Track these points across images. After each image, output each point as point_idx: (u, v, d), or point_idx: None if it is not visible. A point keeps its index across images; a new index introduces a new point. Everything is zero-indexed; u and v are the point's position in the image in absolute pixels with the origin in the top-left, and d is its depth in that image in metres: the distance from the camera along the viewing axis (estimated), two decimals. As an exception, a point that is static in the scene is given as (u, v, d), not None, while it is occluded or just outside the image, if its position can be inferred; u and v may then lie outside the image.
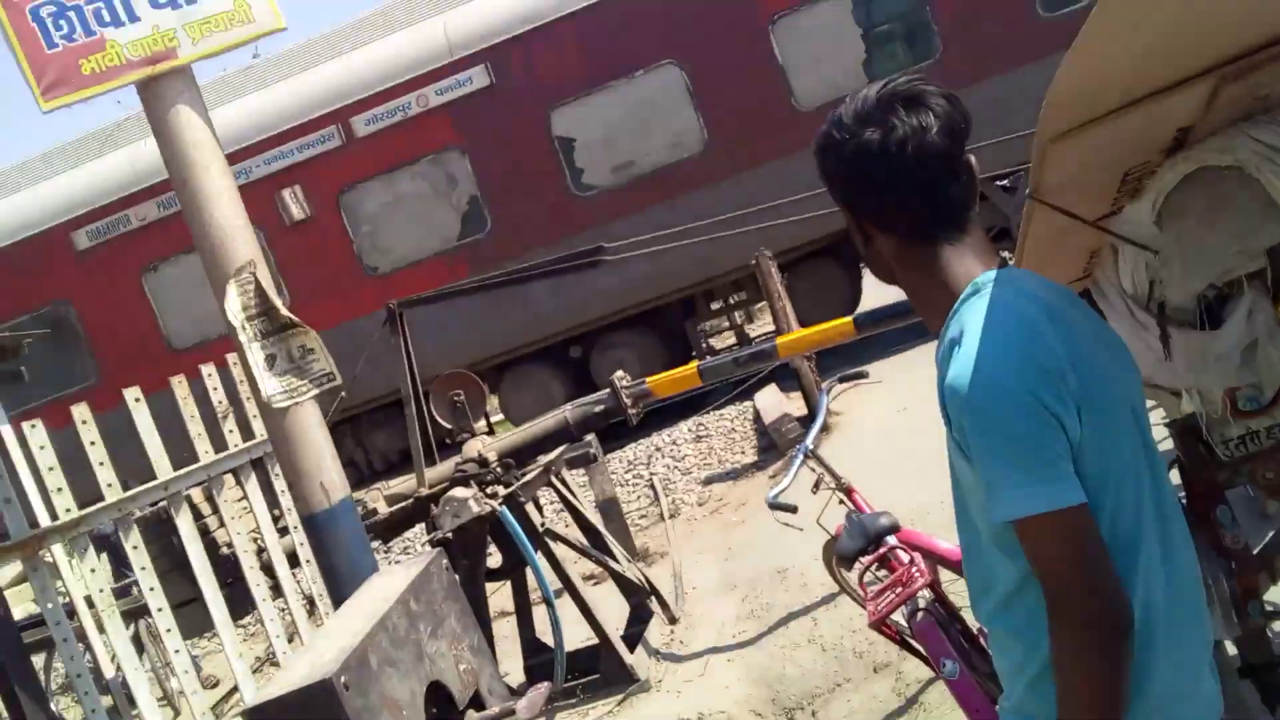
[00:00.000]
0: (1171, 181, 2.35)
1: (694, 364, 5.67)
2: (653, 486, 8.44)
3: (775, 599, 5.53)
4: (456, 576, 3.69)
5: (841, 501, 4.15)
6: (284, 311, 4.20)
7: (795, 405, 8.52)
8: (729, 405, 9.44)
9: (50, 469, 4.43)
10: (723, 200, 9.23)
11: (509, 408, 11.25)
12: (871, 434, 7.23)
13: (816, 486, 4.18)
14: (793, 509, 3.96)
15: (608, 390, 5.62)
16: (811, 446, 4.14)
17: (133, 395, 4.86)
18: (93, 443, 4.60)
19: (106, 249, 11.24)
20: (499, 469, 5.48)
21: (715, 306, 11.74)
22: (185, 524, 4.95)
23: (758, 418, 8.83)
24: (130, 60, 3.87)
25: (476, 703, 3.32)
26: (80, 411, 4.59)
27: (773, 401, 8.89)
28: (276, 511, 5.69)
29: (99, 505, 4.54)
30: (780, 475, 4.17)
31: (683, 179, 10.34)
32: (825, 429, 7.72)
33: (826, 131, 1.67)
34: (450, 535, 5.22)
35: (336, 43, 11.49)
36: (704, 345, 11.99)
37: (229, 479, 5.41)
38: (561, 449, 5.83)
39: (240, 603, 5.75)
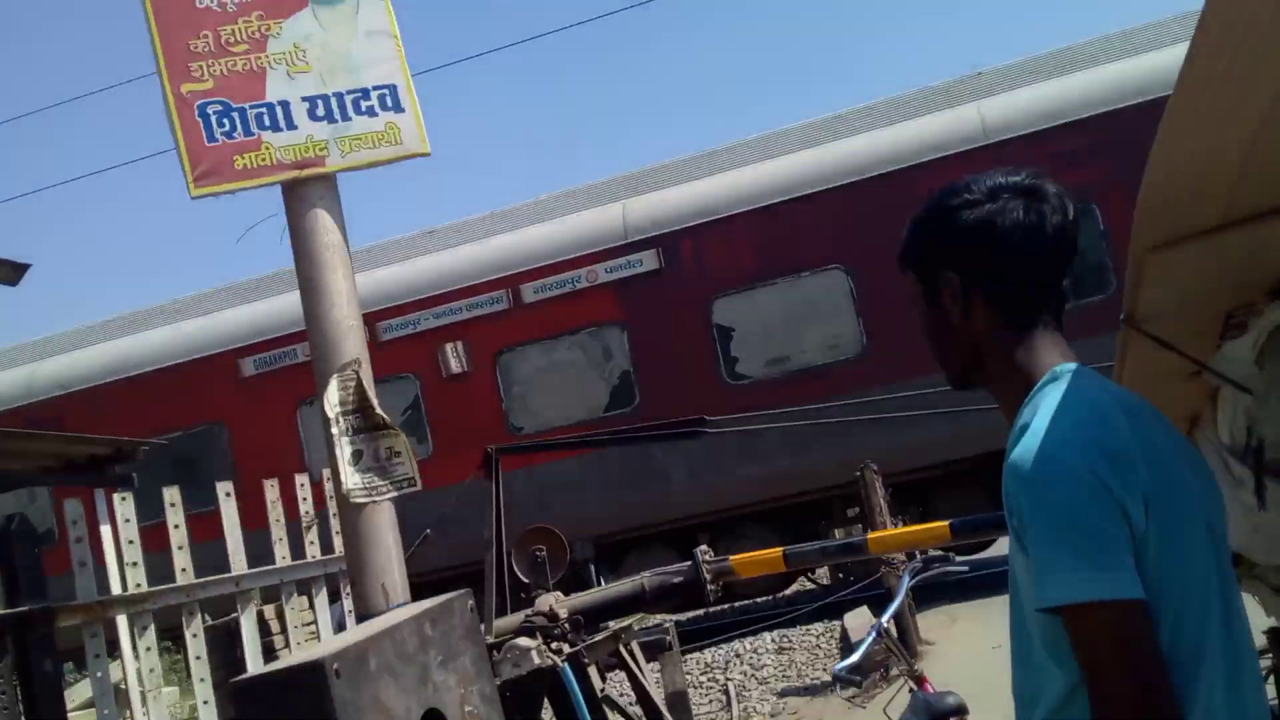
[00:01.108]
0: (1276, 320, 2.27)
1: (779, 549, 5.58)
2: (726, 692, 8.17)
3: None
4: (480, 623, 3.65)
5: (911, 689, 3.97)
6: (379, 412, 4.38)
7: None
8: (818, 622, 9.19)
9: (130, 542, 4.60)
10: (874, 407, 9.33)
11: None
12: (960, 665, 6.91)
13: (886, 673, 4.02)
14: (858, 683, 3.83)
15: (688, 563, 5.55)
16: (886, 624, 4.00)
17: (223, 490, 5.05)
18: (176, 526, 4.78)
19: (269, 378, 11.87)
20: (567, 625, 5.39)
21: (851, 513, 11.59)
22: (249, 625, 5.02)
23: (844, 636, 8.56)
24: (281, 161, 4.28)
25: None
26: (171, 494, 4.79)
27: (862, 622, 8.62)
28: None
29: (168, 585, 4.67)
30: (853, 651, 4.04)
31: (836, 380, 10.58)
32: (915, 656, 7.42)
33: (945, 196, 1.68)
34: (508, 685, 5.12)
35: (513, 216, 12.57)
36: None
37: (301, 599, 5.49)
38: (634, 618, 5.73)
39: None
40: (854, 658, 3.95)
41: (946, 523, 5.41)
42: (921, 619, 8.22)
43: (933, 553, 4.50)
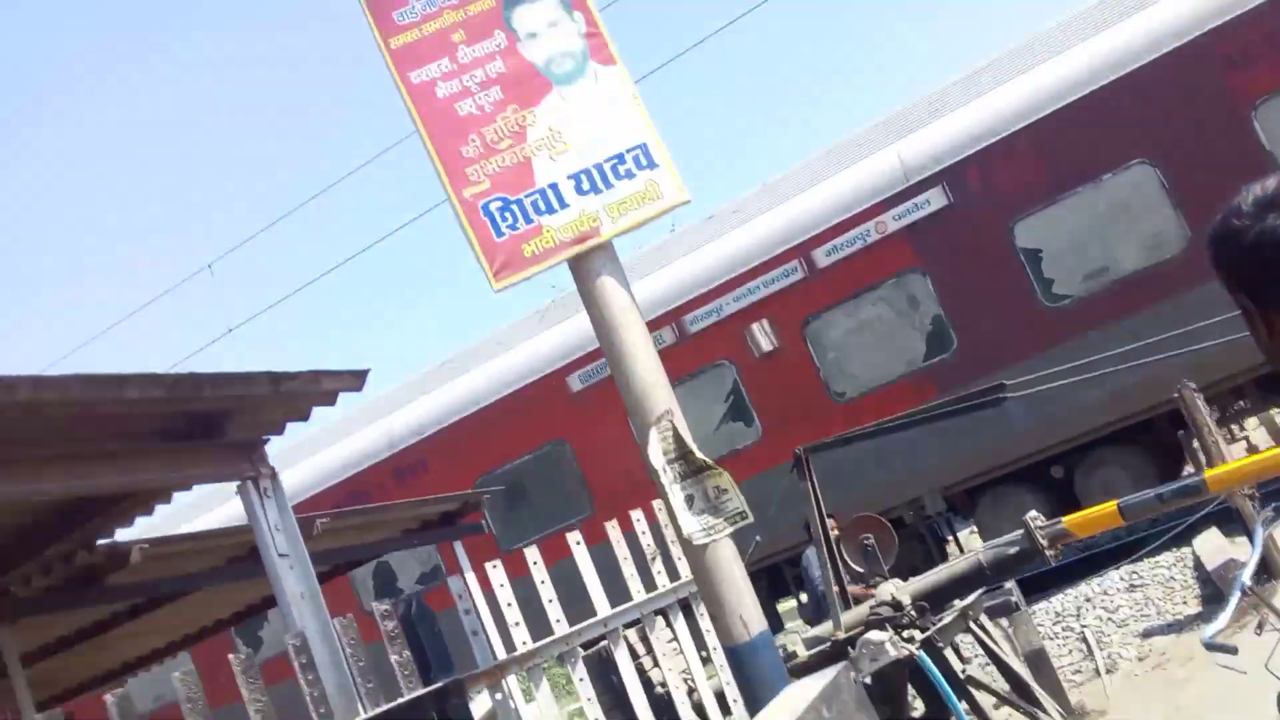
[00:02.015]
0: None
1: (1113, 502, 5.38)
2: (1085, 640, 7.90)
3: (1233, 763, 5.00)
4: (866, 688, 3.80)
5: (1294, 645, 3.78)
6: (699, 455, 4.62)
7: (1242, 550, 7.70)
8: (1165, 552, 8.67)
9: (509, 605, 5.05)
10: (1214, 301, 8.69)
11: (986, 533, 11.05)
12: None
13: (1260, 628, 3.85)
14: (1232, 650, 3.70)
15: (1021, 531, 5.47)
16: (1249, 582, 3.83)
17: (574, 539, 5.46)
18: (543, 582, 5.21)
19: (596, 391, 12.44)
20: (914, 612, 5.48)
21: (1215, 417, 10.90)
22: (624, 658, 5.41)
23: (1198, 565, 8.09)
24: (562, 241, 4.61)
25: None
26: (531, 553, 5.24)
27: (1215, 546, 8.13)
28: (704, 652, 6.02)
29: (548, 640, 5.11)
30: (1218, 613, 3.88)
31: (1164, 282, 9.99)
32: (1269, 569, 6.93)
33: (1224, 219, 1.64)
34: (869, 680, 5.25)
35: (794, 181, 12.54)
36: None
37: (659, 621, 5.83)
38: (978, 593, 5.72)
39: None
40: (1221, 622, 3.82)
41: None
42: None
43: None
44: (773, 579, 12.01)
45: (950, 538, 12.18)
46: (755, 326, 11.69)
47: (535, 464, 12.55)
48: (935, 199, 10.95)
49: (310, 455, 14.76)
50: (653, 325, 11.95)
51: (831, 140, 12.78)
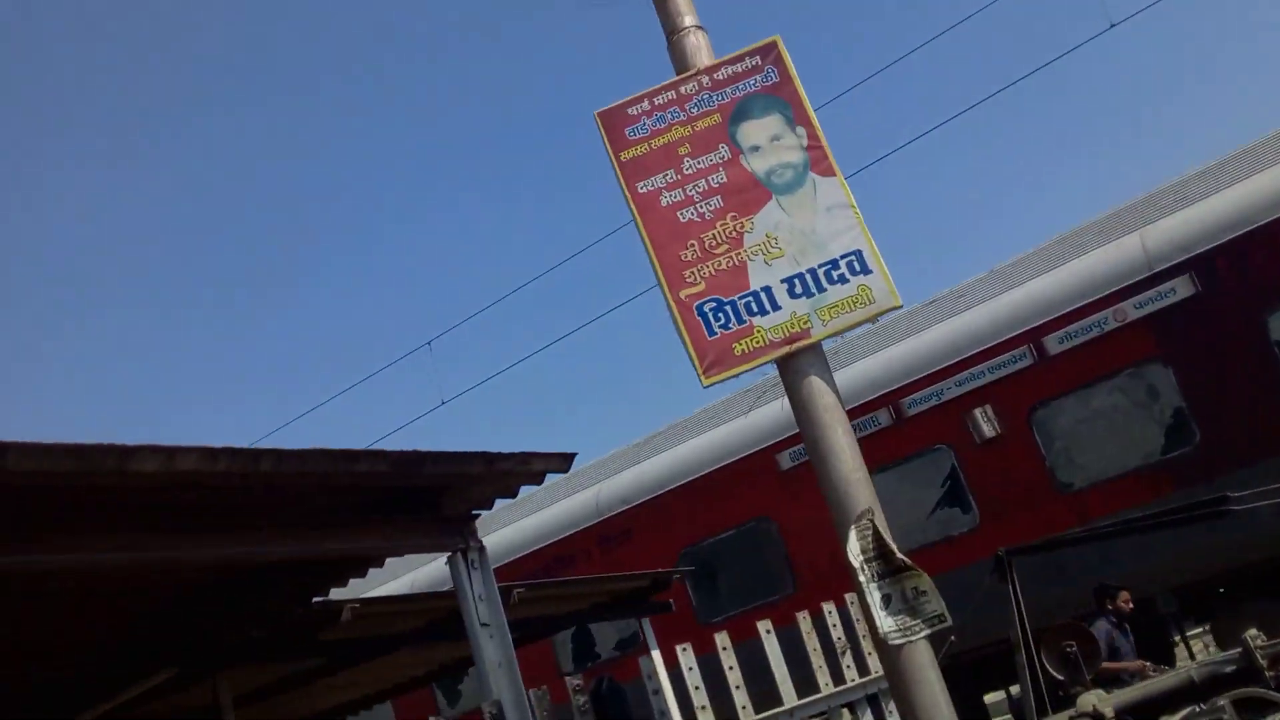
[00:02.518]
0: None
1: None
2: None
3: None
4: None
5: None
6: (899, 555, 4.68)
7: None
8: None
9: (696, 688, 5.17)
10: None
11: (1220, 638, 10.49)
12: None
13: None
14: None
15: (1239, 650, 5.27)
16: None
17: (764, 627, 5.54)
18: (731, 668, 5.31)
19: (805, 469, 12.50)
20: (1116, 726, 5.31)
21: None
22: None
23: None
24: (772, 341, 4.77)
25: None
26: (722, 639, 5.34)
27: None
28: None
29: (738, 725, 5.19)
30: None
31: None
32: None
33: None
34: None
35: (1024, 267, 12.27)
36: None
37: (845, 714, 5.83)
38: (1187, 710, 5.50)
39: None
40: None
41: None
42: None
43: None
44: (979, 669, 11.68)
45: (1178, 639, 11.57)
46: (978, 412, 11.37)
47: (740, 539, 12.54)
48: (1181, 288, 10.47)
49: (519, 518, 15.28)
50: (869, 407, 12.04)
51: (1062, 228, 12.55)
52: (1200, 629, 12.82)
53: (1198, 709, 5.77)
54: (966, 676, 11.39)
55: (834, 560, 11.57)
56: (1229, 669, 5.37)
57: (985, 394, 11.32)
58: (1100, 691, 5.71)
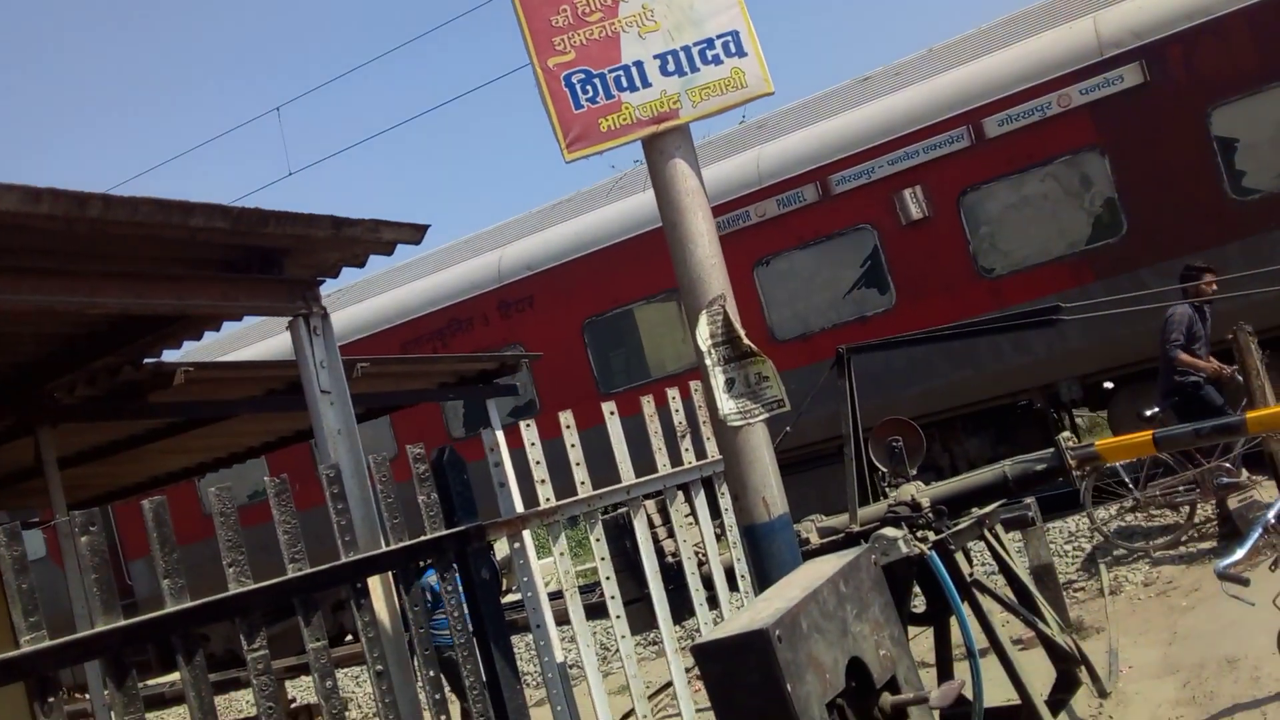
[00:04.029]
0: None
1: (1149, 431, 5.49)
2: (1094, 560, 8.11)
3: (1221, 688, 5.26)
4: (883, 572, 4.00)
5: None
6: (746, 341, 4.73)
7: (1266, 493, 7.85)
8: (1149, 509, 8.81)
9: (537, 463, 5.21)
10: None
11: (1117, 427, 10.88)
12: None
13: (1276, 564, 4.00)
14: (1244, 581, 3.85)
15: (1051, 450, 5.60)
16: (1274, 519, 3.97)
17: (608, 409, 5.59)
18: (573, 445, 5.36)
19: (724, 241, 12.21)
20: (931, 514, 5.65)
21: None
22: (641, 527, 5.62)
23: (1220, 503, 8.21)
24: (639, 119, 4.62)
25: (892, 687, 3.60)
26: (566, 417, 5.37)
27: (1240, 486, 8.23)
28: (718, 529, 6.22)
29: (573, 499, 5.29)
30: (1235, 547, 4.03)
31: None
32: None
33: None
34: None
35: (963, 47, 12.08)
36: None
37: (680, 494, 6.00)
38: (998, 504, 5.88)
39: (679, 608, 6.32)
40: (1238, 554, 3.96)
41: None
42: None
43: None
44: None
45: (1068, 428, 11.95)
46: (907, 192, 11.34)
47: (643, 312, 12.56)
48: (1130, 75, 10.43)
49: (416, 277, 14.74)
50: (795, 182, 11.88)
51: (1006, 10, 12.13)
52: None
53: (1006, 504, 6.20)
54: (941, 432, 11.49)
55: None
56: (1040, 466, 5.72)
57: (916, 174, 11.29)
58: (919, 483, 6.03)
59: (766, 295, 12.26)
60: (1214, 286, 8.65)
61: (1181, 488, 8.24)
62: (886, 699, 3.65)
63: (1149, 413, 8.30)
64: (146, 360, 6.33)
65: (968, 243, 11.19)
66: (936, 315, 10.35)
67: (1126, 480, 8.52)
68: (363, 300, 15.15)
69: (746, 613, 3.48)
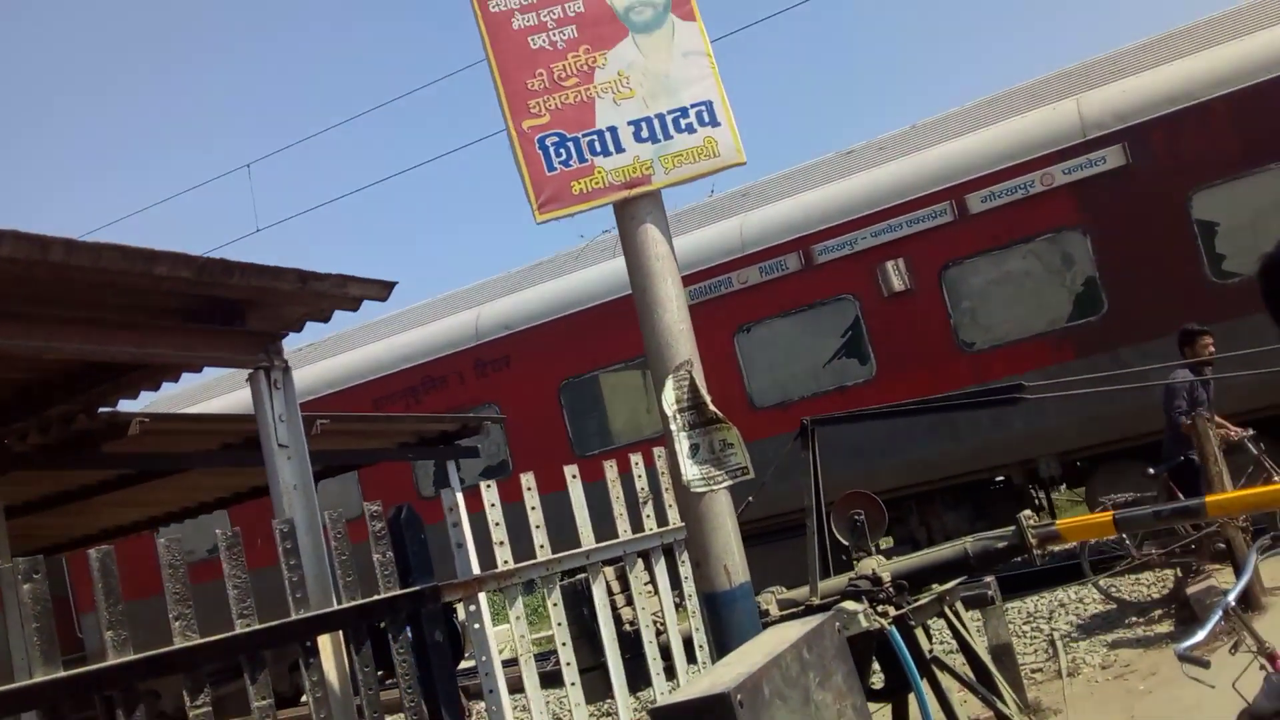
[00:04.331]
0: None
1: (1109, 513, 5.50)
2: (1052, 642, 8.08)
3: (1179, 775, 5.18)
4: (846, 641, 3.94)
5: (1262, 667, 3.93)
6: (711, 407, 4.71)
7: (1225, 579, 7.88)
8: (1148, 571, 8.82)
9: (497, 524, 5.14)
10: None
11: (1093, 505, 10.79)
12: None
13: (1235, 648, 3.99)
14: (1205, 664, 3.80)
15: (1012, 528, 5.60)
16: (1233, 603, 3.95)
17: (570, 472, 5.54)
18: (533, 508, 5.30)
19: (705, 307, 12.15)
20: (891, 589, 5.61)
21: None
22: (599, 593, 5.54)
23: (1178, 587, 8.22)
24: (612, 184, 4.65)
25: None
26: (527, 479, 5.31)
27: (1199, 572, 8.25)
28: (677, 598, 6.14)
29: (530, 562, 5.21)
30: (1196, 629, 4.01)
31: None
32: (1259, 607, 7.13)
33: (1274, 252, 1.77)
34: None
35: (948, 125, 12.22)
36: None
37: (640, 562, 5.94)
38: (958, 580, 5.85)
39: (635, 678, 6.21)
40: (1198, 636, 3.93)
41: (1291, 487, 5.20)
42: (1264, 565, 7.73)
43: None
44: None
45: (1045, 506, 11.97)
46: (889, 264, 11.40)
47: (621, 377, 12.54)
48: (1112, 157, 10.56)
49: (393, 333, 14.59)
50: (779, 250, 11.90)
51: (981, 93, 12.37)
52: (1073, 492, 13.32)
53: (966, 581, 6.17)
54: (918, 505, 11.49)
55: (723, 404, 11.36)
56: (1001, 544, 5.70)
57: (899, 247, 11.35)
58: (880, 558, 5.99)
59: (747, 362, 12.25)
60: (1211, 349, 8.70)
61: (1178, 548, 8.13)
62: (846, 774, 3.59)
63: (1152, 470, 8.27)
64: (101, 410, 6.22)
65: (949, 316, 11.27)
66: (916, 387, 10.46)
67: (1126, 541, 8.37)
68: (335, 355, 14.99)
69: (707, 677, 3.42)
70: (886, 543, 11.60)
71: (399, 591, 4.65)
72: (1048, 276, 11.05)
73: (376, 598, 4.48)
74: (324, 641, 4.50)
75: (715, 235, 12.56)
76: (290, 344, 5.51)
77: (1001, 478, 11.43)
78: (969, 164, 11.26)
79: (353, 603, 4.36)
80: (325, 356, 15.09)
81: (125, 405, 6.49)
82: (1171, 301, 10.14)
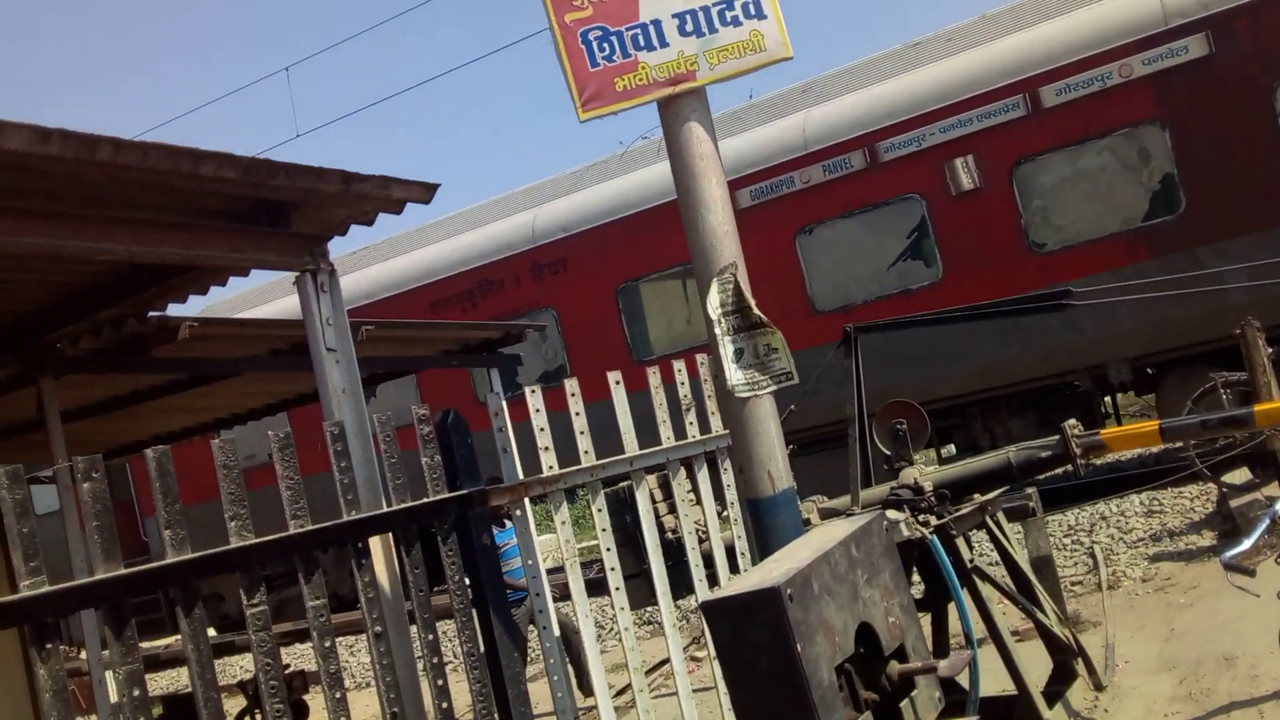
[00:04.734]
0: None
1: (1155, 421, 5.42)
2: (1093, 555, 8.04)
3: (1218, 686, 5.19)
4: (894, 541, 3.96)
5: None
6: (756, 311, 4.65)
7: (1270, 491, 7.78)
8: (1192, 484, 8.70)
9: (542, 429, 5.14)
10: None
11: (1165, 411, 10.40)
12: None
13: (1280, 559, 3.93)
14: (1251, 572, 3.77)
15: (1056, 437, 5.53)
16: (1280, 513, 3.90)
17: (614, 378, 5.51)
18: (577, 414, 5.29)
19: (766, 208, 11.98)
20: (933, 499, 5.58)
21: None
22: (643, 500, 5.55)
23: (1223, 500, 8.11)
24: (656, 80, 4.54)
25: (900, 655, 3.55)
26: (571, 385, 5.29)
27: (1243, 484, 8.15)
28: (720, 507, 6.15)
29: (575, 468, 5.22)
30: (1241, 539, 3.97)
31: None
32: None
33: None
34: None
35: (1023, 13, 11.63)
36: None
37: (683, 470, 5.93)
38: (1000, 490, 5.81)
39: (678, 585, 6.25)
40: (1245, 545, 3.89)
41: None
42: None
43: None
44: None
45: (1112, 414, 11.68)
46: (958, 162, 11.00)
47: (677, 281, 12.23)
48: (1194, 47, 10.06)
49: (446, 236, 14.37)
50: (843, 148, 11.47)
51: None
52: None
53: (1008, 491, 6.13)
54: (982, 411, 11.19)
55: (786, 307, 11.08)
56: (1045, 454, 5.65)
57: (969, 143, 10.90)
58: (922, 466, 5.97)
59: (808, 265, 11.96)
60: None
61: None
62: (894, 667, 3.60)
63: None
64: (151, 314, 6.28)
65: (1019, 216, 10.87)
66: (985, 290, 10.08)
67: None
68: (390, 259, 14.88)
69: (757, 572, 3.43)
70: (948, 450, 11.50)
71: (446, 495, 4.68)
72: (1123, 174, 10.62)
73: (425, 500, 4.51)
74: (375, 543, 4.56)
75: (777, 133, 12.18)
76: (344, 247, 5.50)
77: (1071, 384, 11.13)
78: (1042, 55, 10.75)
79: (403, 505, 4.39)
80: (380, 259, 15.01)
81: (173, 310, 6.56)
82: (1252, 199, 9.74)
